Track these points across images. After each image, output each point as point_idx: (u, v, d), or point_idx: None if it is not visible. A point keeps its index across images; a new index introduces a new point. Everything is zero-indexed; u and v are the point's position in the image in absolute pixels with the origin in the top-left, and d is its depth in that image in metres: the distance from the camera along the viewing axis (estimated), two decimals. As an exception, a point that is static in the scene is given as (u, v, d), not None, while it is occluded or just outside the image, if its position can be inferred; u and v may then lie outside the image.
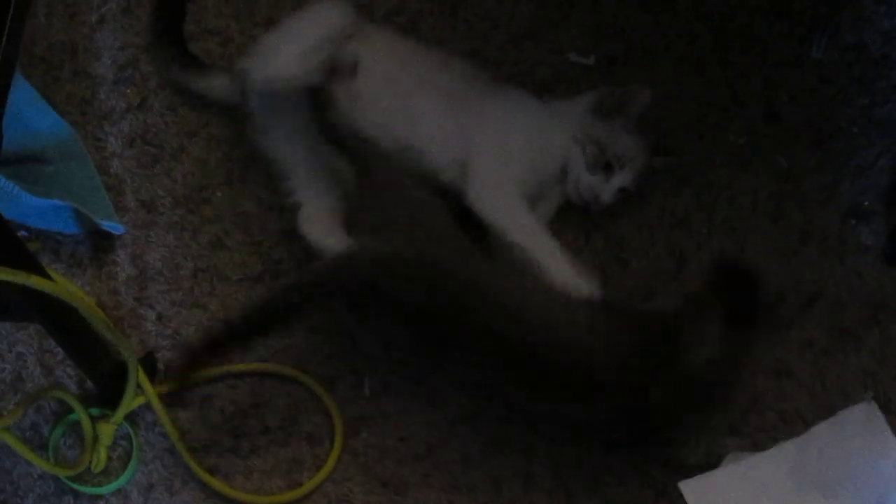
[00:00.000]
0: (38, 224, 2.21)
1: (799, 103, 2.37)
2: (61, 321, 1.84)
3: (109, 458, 2.14)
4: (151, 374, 2.15)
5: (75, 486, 2.10)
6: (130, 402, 2.09)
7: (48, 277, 1.73)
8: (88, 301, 2.16)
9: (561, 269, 2.01)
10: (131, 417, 2.16)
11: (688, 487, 1.96)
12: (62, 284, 1.76)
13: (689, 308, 1.92)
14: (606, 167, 2.14)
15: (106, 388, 2.09)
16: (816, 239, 2.24)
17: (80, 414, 2.08)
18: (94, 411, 2.15)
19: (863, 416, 1.95)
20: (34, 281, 1.60)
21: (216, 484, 2.13)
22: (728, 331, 1.89)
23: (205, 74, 2.29)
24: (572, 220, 2.30)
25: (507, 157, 2.12)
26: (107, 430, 2.09)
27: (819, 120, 2.34)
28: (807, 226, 2.25)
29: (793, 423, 2.11)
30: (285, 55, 2.07)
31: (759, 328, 1.97)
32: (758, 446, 2.06)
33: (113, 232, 2.26)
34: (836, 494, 1.90)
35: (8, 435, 1.98)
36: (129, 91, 2.42)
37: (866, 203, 2.26)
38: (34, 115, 2.28)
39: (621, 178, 2.15)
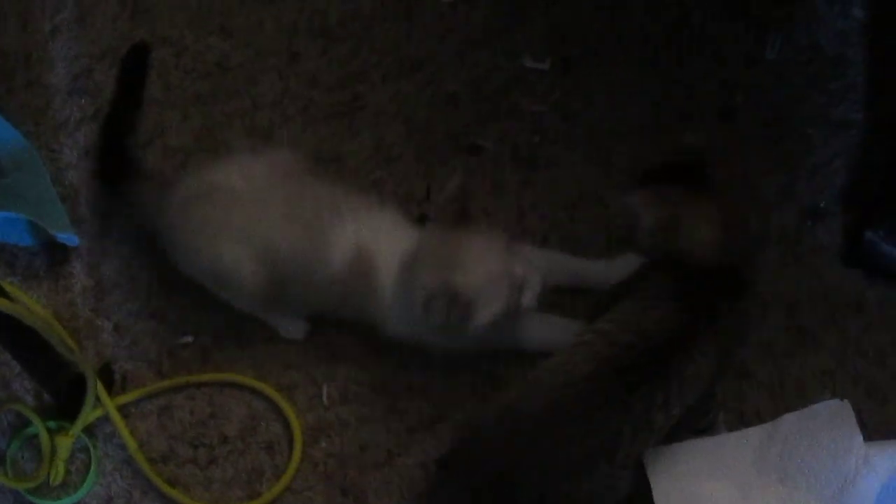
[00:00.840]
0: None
1: (754, 103, 2.35)
2: (16, 336, 1.81)
3: (68, 471, 2.12)
4: (109, 385, 2.13)
5: (34, 499, 2.07)
6: (88, 415, 2.07)
7: (3, 292, 1.71)
8: (45, 315, 2.14)
9: None
10: (89, 429, 2.14)
11: (651, 456, 1.96)
12: (18, 302, 1.73)
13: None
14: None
15: (63, 401, 2.07)
16: (773, 240, 2.19)
17: (39, 427, 2.07)
18: (52, 424, 2.13)
19: (833, 411, 1.96)
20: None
21: (176, 495, 2.11)
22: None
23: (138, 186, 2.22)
24: (527, 227, 2.30)
25: None
26: (65, 443, 2.07)
27: (775, 120, 2.33)
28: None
29: (751, 424, 2.06)
30: None
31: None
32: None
33: (68, 244, 2.22)
34: (796, 484, 1.92)
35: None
36: (83, 101, 2.41)
37: (822, 204, 2.26)
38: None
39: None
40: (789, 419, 1.96)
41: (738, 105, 2.35)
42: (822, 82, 2.36)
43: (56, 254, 2.28)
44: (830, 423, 1.94)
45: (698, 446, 1.97)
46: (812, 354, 2.16)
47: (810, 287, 2.20)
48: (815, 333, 2.17)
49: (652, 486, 1.92)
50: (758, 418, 2.08)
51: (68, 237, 2.21)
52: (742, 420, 2.10)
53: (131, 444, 2.10)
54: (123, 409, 2.17)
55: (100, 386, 2.05)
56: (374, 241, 2.00)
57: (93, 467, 2.08)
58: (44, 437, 2.07)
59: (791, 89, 2.36)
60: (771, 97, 2.35)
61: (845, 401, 1.97)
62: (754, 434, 1.95)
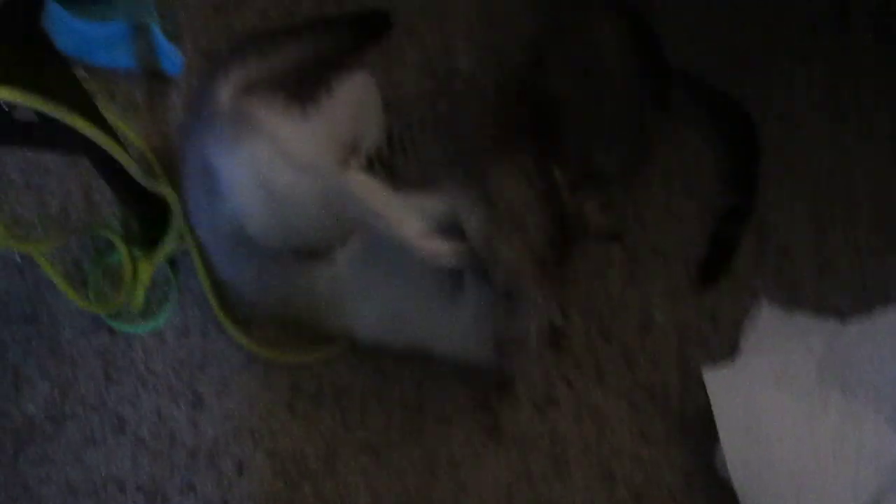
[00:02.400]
0: (96, 59, 2.18)
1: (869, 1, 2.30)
2: (108, 159, 1.80)
3: (149, 301, 2.11)
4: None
5: (113, 323, 2.07)
6: (171, 245, 2.06)
7: (100, 116, 1.71)
8: (140, 145, 2.11)
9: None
10: (173, 262, 2.14)
11: (710, 376, 1.94)
12: (116, 130, 1.72)
13: None
14: None
15: (149, 230, 2.07)
16: (872, 139, 2.24)
17: (122, 250, 2.07)
18: (136, 252, 2.13)
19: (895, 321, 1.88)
20: (77, 122, 1.59)
21: (238, 336, 2.12)
22: None
23: None
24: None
25: None
26: (146, 270, 2.07)
27: (888, 20, 2.31)
28: (863, 125, 2.22)
29: (829, 320, 2.01)
30: None
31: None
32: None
33: (173, 60, 2.23)
34: (855, 394, 1.88)
35: (43, 260, 1.97)
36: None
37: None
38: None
39: None
40: (853, 328, 1.93)
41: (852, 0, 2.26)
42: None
43: (155, 86, 2.28)
44: (892, 333, 1.89)
45: (762, 362, 1.95)
46: (900, 255, 2.05)
47: (905, 189, 2.09)
48: (904, 235, 2.06)
49: (713, 406, 1.91)
50: (837, 315, 2.05)
51: (173, 52, 2.22)
52: (821, 315, 2.02)
53: (205, 281, 2.09)
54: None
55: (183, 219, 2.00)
56: None
57: (172, 297, 2.05)
58: (126, 261, 2.07)
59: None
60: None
61: None
62: (818, 344, 1.90)
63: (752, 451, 1.85)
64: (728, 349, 2.04)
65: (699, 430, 1.97)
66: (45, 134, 1.75)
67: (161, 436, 2.03)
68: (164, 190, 1.92)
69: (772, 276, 2.09)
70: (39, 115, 1.60)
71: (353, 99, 2.03)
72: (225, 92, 1.94)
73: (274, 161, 1.87)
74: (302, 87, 1.98)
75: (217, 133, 1.91)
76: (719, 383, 1.89)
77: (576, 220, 1.78)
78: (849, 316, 1.99)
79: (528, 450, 2.02)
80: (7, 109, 1.59)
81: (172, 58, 2.23)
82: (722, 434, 1.87)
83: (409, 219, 1.73)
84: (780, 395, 1.88)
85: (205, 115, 1.93)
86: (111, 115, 2.10)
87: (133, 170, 1.78)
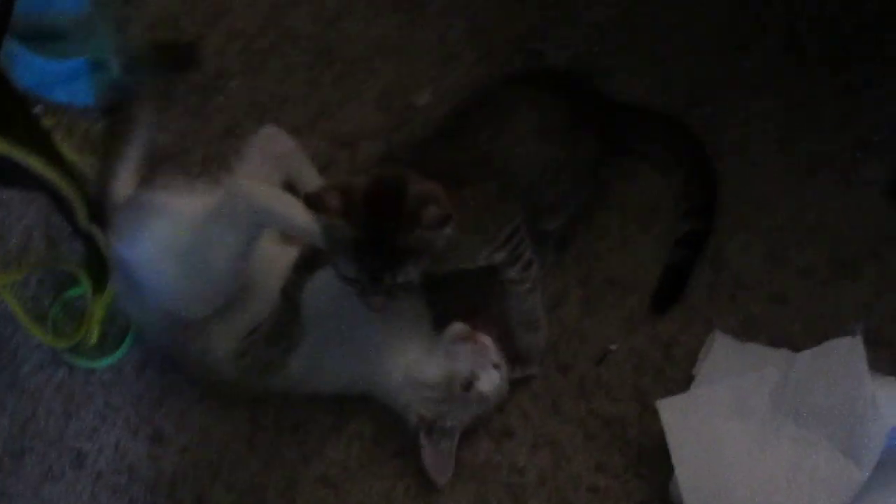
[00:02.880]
0: (54, 95, 2.19)
1: (820, 33, 2.30)
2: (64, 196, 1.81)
3: (105, 335, 2.11)
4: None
5: (71, 358, 2.07)
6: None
7: (56, 154, 1.72)
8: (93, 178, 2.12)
9: None
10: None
11: (665, 405, 1.93)
12: (59, 172, 1.73)
13: None
14: None
15: (105, 266, 2.05)
16: (825, 170, 2.19)
17: (83, 283, 2.08)
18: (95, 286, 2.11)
19: (846, 349, 1.90)
20: (32, 162, 1.59)
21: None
22: None
23: None
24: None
25: None
26: (100, 303, 2.06)
27: (839, 51, 2.28)
28: (816, 156, 2.18)
29: (782, 349, 2.02)
30: None
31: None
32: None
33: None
34: (808, 424, 1.87)
35: (5, 292, 1.96)
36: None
37: (876, 137, 2.19)
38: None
39: None
40: (804, 357, 1.92)
41: (804, 33, 2.30)
42: (891, 14, 2.28)
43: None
44: (842, 362, 1.89)
45: (715, 391, 1.94)
46: (850, 287, 2.11)
47: (854, 218, 2.14)
48: (856, 265, 2.12)
49: (667, 436, 1.89)
50: (790, 345, 2.03)
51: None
52: (773, 343, 2.04)
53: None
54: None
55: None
56: None
57: (130, 332, 2.05)
58: (88, 294, 2.08)
59: (858, 20, 2.30)
60: (837, 28, 2.30)
61: (858, 337, 1.89)
62: (771, 373, 1.91)
63: (706, 479, 1.85)
64: (683, 379, 2.04)
65: (656, 460, 1.97)
66: (2, 171, 1.75)
67: (120, 470, 2.03)
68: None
69: (725, 306, 2.09)
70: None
71: (266, 153, 2.04)
72: (118, 191, 1.98)
73: (177, 227, 1.92)
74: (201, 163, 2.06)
75: (119, 228, 1.95)
76: (674, 412, 1.89)
77: None
78: (801, 345, 1.97)
79: (485, 481, 2.02)
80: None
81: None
82: (676, 463, 1.87)
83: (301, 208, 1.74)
84: (734, 424, 1.88)
85: (107, 218, 1.97)
86: (68, 151, 2.09)
87: (81, 214, 1.78)
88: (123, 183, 1.97)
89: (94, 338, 2.03)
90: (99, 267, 2.02)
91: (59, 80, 2.15)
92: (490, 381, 1.94)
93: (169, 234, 1.91)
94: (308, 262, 1.86)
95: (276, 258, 1.95)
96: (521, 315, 2.02)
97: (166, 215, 1.93)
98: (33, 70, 2.07)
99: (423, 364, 1.94)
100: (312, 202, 1.65)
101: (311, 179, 2.08)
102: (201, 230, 1.87)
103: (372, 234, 1.67)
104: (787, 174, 2.16)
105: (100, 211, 1.93)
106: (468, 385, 1.90)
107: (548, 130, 1.95)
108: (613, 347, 2.04)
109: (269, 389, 1.99)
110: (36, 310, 2.10)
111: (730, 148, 2.18)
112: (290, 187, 2.06)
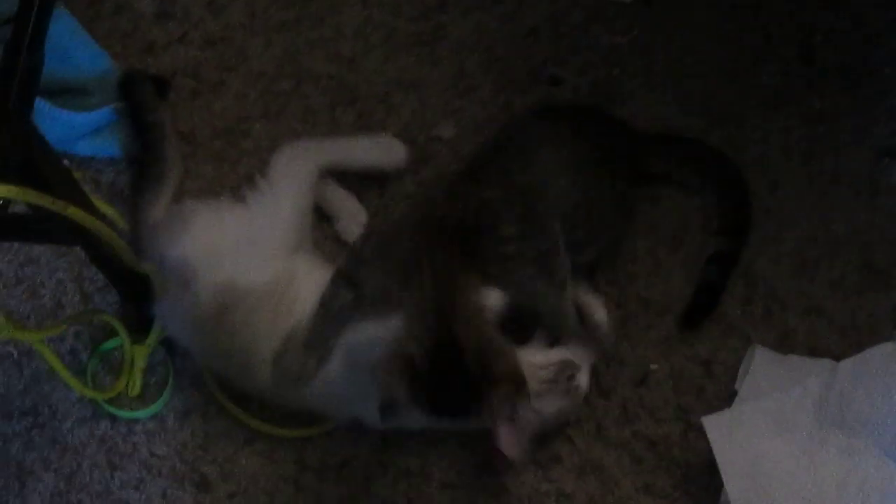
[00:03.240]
0: (82, 150, 2.20)
1: (833, 45, 2.31)
2: (101, 245, 1.81)
3: (146, 385, 2.11)
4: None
5: (112, 409, 2.07)
6: (162, 329, 2.05)
7: (91, 204, 1.72)
8: (122, 225, 2.12)
9: None
10: (169, 345, 2.13)
11: (710, 422, 1.93)
12: (99, 220, 1.73)
13: None
14: None
15: (142, 314, 2.05)
16: (847, 179, 2.21)
17: (121, 334, 2.08)
18: (132, 336, 2.12)
19: (887, 354, 1.91)
20: (74, 213, 1.59)
21: (240, 414, 2.13)
22: None
23: None
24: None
25: None
26: (141, 353, 2.08)
27: (853, 62, 2.29)
28: (838, 166, 2.21)
29: (822, 360, 2.04)
30: None
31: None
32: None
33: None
34: (856, 432, 1.88)
35: (43, 347, 1.96)
36: (169, 25, 2.39)
37: (898, 144, 2.17)
38: (76, 47, 2.26)
39: None
40: (846, 366, 1.93)
41: (817, 46, 2.30)
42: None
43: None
44: (883, 368, 1.90)
45: (760, 406, 1.94)
46: (883, 294, 2.12)
47: (883, 227, 2.17)
48: (887, 272, 2.14)
49: (715, 453, 1.90)
50: (829, 354, 2.05)
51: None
52: (813, 355, 2.07)
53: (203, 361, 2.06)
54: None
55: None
56: None
57: (170, 380, 2.06)
58: (126, 346, 2.07)
59: (870, 31, 2.32)
60: (849, 39, 2.31)
61: None
62: (814, 384, 1.91)
63: (756, 495, 1.86)
64: (724, 395, 2.05)
65: (703, 478, 1.98)
66: (39, 226, 1.75)
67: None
68: (154, 276, 1.91)
69: (761, 320, 2.10)
70: (33, 207, 1.59)
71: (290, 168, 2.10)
72: (153, 217, 2.03)
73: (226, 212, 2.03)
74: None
75: (165, 236, 2.01)
76: (719, 429, 1.90)
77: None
78: (840, 354, 1.98)
79: (535, 510, 1.98)
80: (2, 204, 1.59)
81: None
82: (725, 479, 1.87)
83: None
84: (780, 438, 1.89)
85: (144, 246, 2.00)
86: (97, 202, 2.08)
87: (127, 256, 1.78)
88: (157, 210, 1.98)
89: (136, 388, 2.02)
90: (138, 316, 2.00)
91: (82, 134, 2.16)
92: (587, 379, 1.96)
93: (221, 215, 2.00)
94: (346, 274, 1.85)
95: (316, 269, 1.97)
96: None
97: (213, 208, 2.03)
98: (57, 124, 2.08)
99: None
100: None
101: (339, 197, 2.12)
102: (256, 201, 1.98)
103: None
104: (811, 186, 2.18)
105: (136, 242, 1.93)
106: (572, 375, 1.89)
107: (578, 165, 1.96)
108: (654, 367, 2.04)
109: (302, 402, 1.98)
110: (73, 364, 2.09)
111: (752, 164, 2.20)
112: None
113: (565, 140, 2.02)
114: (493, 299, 1.81)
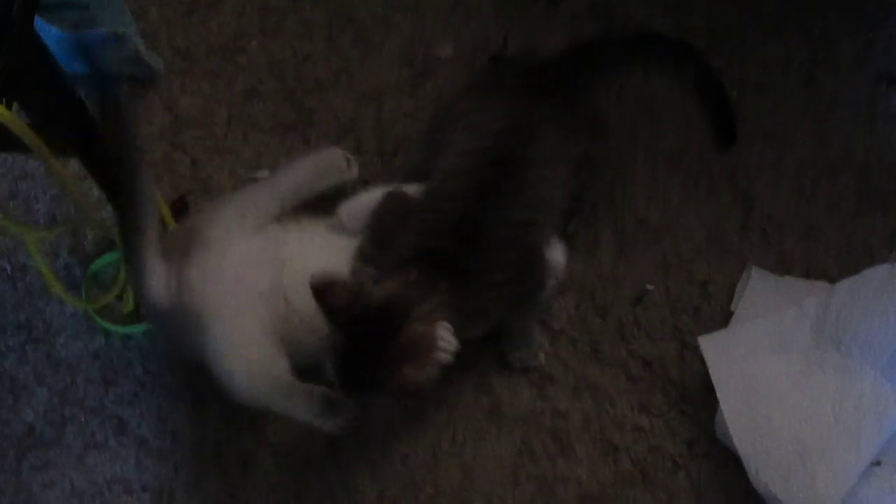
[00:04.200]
0: (78, 67, 2.15)
1: (835, -33, 2.24)
2: (98, 157, 1.80)
3: (140, 302, 2.06)
4: (184, 217, 2.07)
5: (106, 325, 2.05)
6: None
7: (91, 119, 1.70)
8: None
9: None
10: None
11: (707, 342, 1.94)
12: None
13: None
14: None
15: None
16: (846, 104, 2.19)
17: (119, 246, 2.02)
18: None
19: (884, 276, 1.91)
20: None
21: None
22: None
23: None
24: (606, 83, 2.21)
25: None
26: (136, 271, 2.02)
27: (854, -15, 2.23)
28: (837, 90, 2.18)
29: (818, 282, 2.05)
30: None
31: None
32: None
33: (152, 66, 2.23)
34: (851, 351, 1.88)
35: (35, 252, 1.93)
36: (166, -62, 2.32)
37: (896, 71, 2.15)
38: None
39: None
40: (842, 287, 1.93)
41: (819, -32, 2.23)
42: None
43: (135, 89, 2.24)
44: (880, 289, 1.90)
45: (756, 326, 1.94)
46: (880, 217, 2.11)
47: (881, 151, 2.15)
48: (884, 196, 2.12)
49: (711, 372, 1.90)
50: (825, 277, 2.05)
51: (152, 58, 2.17)
52: (809, 278, 2.05)
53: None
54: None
55: (171, 218, 2.03)
56: None
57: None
58: (121, 261, 2.05)
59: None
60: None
61: (895, 264, 1.91)
62: (810, 305, 1.90)
63: (752, 413, 1.85)
64: (721, 317, 2.05)
65: (699, 398, 1.98)
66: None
67: (163, 435, 2.00)
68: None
69: (758, 242, 2.09)
70: (33, 118, 1.57)
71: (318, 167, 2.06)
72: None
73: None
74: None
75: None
76: (716, 349, 1.90)
77: None
78: (836, 277, 1.98)
79: (529, 427, 2.01)
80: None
81: (152, 62, 2.20)
82: (721, 398, 1.87)
83: None
84: (776, 358, 1.89)
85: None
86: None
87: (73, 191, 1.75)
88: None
89: (130, 304, 2.00)
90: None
91: (78, 52, 2.10)
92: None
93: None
94: (367, 254, 1.83)
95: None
96: (515, 333, 2.06)
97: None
98: (51, 42, 2.02)
99: None
100: (318, 289, 1.62)
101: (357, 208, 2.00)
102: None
103: (357, 354, 1.65)
104: (810, 109, 2.17)
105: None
106: None
107: (565, 133, 1.91)
108: (650, 288, 2.02)
109: None
110: (68, 280, 2.07)
111: (751, 86, 2.18)
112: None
113: (545, 117, 1.93)
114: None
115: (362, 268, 1.81)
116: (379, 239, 1.84)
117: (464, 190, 1.80)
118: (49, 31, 2.04)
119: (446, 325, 1.64)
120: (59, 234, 2.07)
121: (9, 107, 1.53)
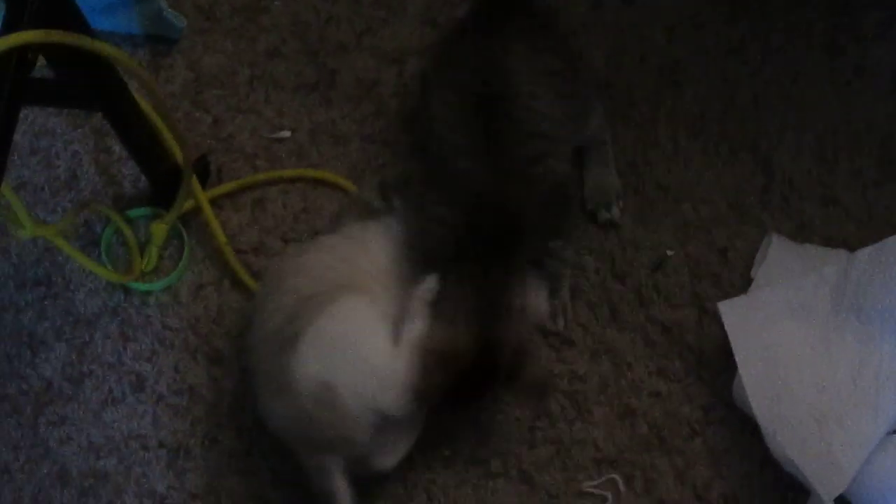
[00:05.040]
0: (97, 23, 2.14)
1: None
2: (123, 111, 1.78)
3: (161, 258, 2.08)
4: (204, 177, 2.09)
5: (127, 282, 2.03)
6: (183, 204, 2.01)
7: (117, 74, 1.69)
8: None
9: None
10: (184, 219, 2.11)
11: (726, 307, 1.91)
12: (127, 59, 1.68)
13: None
14: None
15: (159, 189, 2.04)
16: (869, 73, 2.18)
17: (119, 222, 2.07)
18: (148, 211, 2.15)
19: (905, 245, 1.88)
20: (102, 47, 1.54)
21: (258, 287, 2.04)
22: None
23: None
24: (626, 46, 2.25)
25: None
26: (159, 230, 2.04)
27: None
28: (860, 60, 2.17)
29: (838, 249, 2.03)
30: None
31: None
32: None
33: (175, 24, 2.21)
34: (871, 318, 1.87)
35: (61, 240, 1.94)
36: None
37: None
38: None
39: None
40: (863, 255, 1.91)
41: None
42: None
43: (158, 47, 2.25)
44: (902, 258, 1.86)
45: (776, 293, 1.92)
46: (902, 187, 2.04)
47: (904, 120, 2.08)
48: (906, 166, 2.05)
49: (730, 337, 1.88)
50: (845, 245, 2.04)
51: (175, 16, 2.16)
52: (828, 244, 2.06)
53: (219, 236, 2.07)
54: (218, 202, 2.14)
55: (194, 177, 1.99)
56: None
57: (185, 254, 2.05)
58: (126, 231, 2.08)
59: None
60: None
61: None
62: (831, 273, 1.89)
63: (771, 379, 1.84)
64: (740, 283, 2.04)
65: (716, 364, 1.98)
66: (62, 91, 1.72)
67: (181, 391, 2.00)
68: (179, 144, 1.87)
69: (778, 209, 2.09)
70: (58, 70, 1.57)
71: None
72: None
73: None
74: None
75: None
76: (735, 314, 1.88)
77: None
78: (856, 245, 1.97)
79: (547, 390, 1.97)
80: (28, 65, 1.55)
81: (175, 21, 2.20)
82: (740, 364, 1.86)
83: None
84: (796, 324, 1.88)
85: None
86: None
87: (163, 114, 1.74)
88: None
89: (153, 263, 2.00)
90: (156, 189, 1.97)
91: (101, 10, 2.11)
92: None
93: None
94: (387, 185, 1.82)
95: None
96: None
97: None
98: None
99: None
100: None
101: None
102: None
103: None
104: (833, 78, 2.17)
105: None
106: None
107: (535, 48, 1.91)
108: (670, 253, 2.02)
109: None
110: (87, 235, 2.07)
111: (775, 53, 2.18)
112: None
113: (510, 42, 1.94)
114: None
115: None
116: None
117: (465, 143, 1.80)
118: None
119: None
120: (77, 215, 2.06)
121: (34, 60, 1.49)
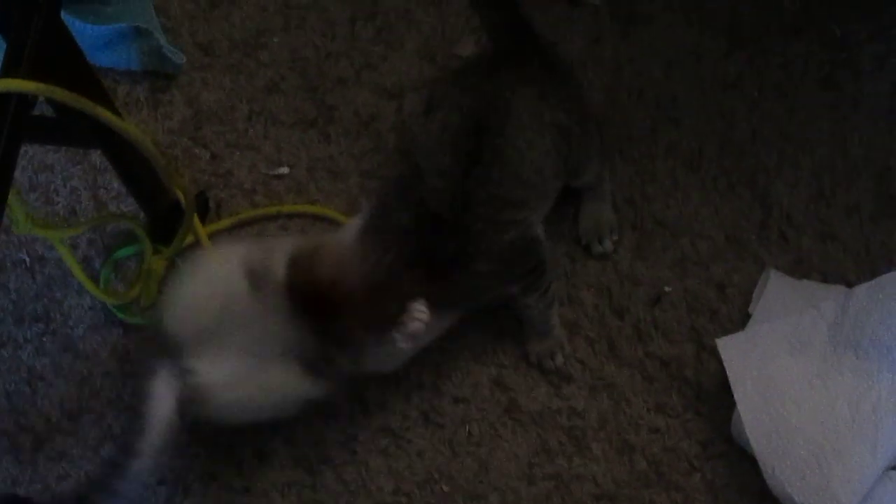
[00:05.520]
0: (100, 61, 2.16)
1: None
2: (122, 149, 1.78)
3: (159, 293, 2.05)
4: (203, 212, 2.09)
5: (124, 316, 2.03)
6: (183, 240, 1.99)
7: (115, 110, 1.68)
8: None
9: None
10: (183, 255, 2.07)
11: (724, 343, 1.92)
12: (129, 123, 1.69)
13: None
14: None
15: (158, 225, 2.03)
16: (866, 107, 2.18)
17: (144, 241, 2.05)
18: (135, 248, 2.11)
19: (902, 282, 1.88)
20: (103, 114, 1.55)
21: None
22: None
23: None
24: (624, 81, 2.24)
25: None
26: (159, 265, 2.02)
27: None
28: (857, 94, 2.17)
29: (836, 285, 2.04)
30: None
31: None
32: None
33: (174, 60, 2.21)
34: (869, 354, 1.87)
35: (62, 246, 1.94)
36: (190, -65, 2.32)
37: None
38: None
39: None
40: (860, 291, 1.91)
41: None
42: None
43: (157, 83, 2.24)
44: (899, 293, 1.86)
45: (774, 328, 1.92)
46: (897, 220, 2.04)
47: (900, 154, 2.08)
48: (902, 200, 2.05)
49: (728, 373, 1.88)
50: (843, 280, 2.04)
51: (174, 52, 2.17)
52: (826, 280, 2.06)
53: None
54: (217, 237, 2.13)
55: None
56: None
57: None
58: (148, 254, 2.05)
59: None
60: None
61: None
62: (828, 308, 1.89)
63: (769, 415, 1.84)
64: (738, 318, 2.05)
65: (714, 399, 1.98)
66: (61, 129, 1.72)
67: (179, 428, 1.98)
68: (181, 185, 1.87)
69: (776, 244, 2.09)
70: (58, 109, 1.56)
71: None
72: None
73: None
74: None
75: None
76: (733, 350, 1.89)
77: None
78: (854, 281, 1.98)
79: (545, 426, 2.00)
80: (28, 103, 1.55)
81: (174, 58, 2.21)
82: (739, 400, 1.86)
83: None
84: (794, 360, 1.88)
85: None
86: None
87: (159, 163, 1.74)
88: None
89: (150, 297, 1.99)
90: (154, 225, 1.97)
91: (100, 46, 2.12)
92: None
93: None
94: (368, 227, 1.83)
95: None
96: (535, 325, 2.02)
97: None
98: (75, 34, 2.03)
99: None
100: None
101: None
102: None
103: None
104: (830, 112, 2.17)
105: None
106: None
107: (543, 99, 1.91)
108: (668, 289, 2.02)
109: None
110: (87, 272, 2.07)
111: (772, 88, 2.19)
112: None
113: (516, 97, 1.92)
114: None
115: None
116: (379, 214, 1.83)
117: (448, 163, 1.80)
118: (72, 25, 2.03)
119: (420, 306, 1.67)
120: (85, 230, 2.05)
121: (34, 99, 1.51)
